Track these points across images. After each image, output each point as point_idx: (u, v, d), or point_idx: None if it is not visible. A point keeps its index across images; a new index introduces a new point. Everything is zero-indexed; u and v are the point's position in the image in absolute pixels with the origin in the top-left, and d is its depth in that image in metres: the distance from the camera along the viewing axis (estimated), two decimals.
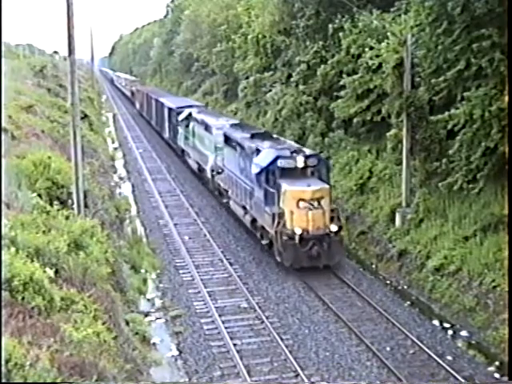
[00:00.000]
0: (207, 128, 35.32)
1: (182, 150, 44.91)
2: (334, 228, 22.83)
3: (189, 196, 36.48)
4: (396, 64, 25.38)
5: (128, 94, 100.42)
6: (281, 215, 22.74)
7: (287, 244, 22.49)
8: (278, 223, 22.68)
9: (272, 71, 44.68)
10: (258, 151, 25.08)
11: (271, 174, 23.62)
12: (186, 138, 42.25)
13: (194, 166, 40.42)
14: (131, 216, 31.19)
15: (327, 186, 23.47)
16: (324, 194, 22.94)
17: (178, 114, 45.33)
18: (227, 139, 30.23)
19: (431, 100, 24.30)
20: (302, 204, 22.50)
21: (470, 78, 22.01)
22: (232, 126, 32.37)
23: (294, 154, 23.89)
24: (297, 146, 26.99)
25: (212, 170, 33.81)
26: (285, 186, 22.95)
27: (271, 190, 23.43)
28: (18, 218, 14.87)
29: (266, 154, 24.44)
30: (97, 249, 16.09)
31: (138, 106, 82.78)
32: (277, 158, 23.71)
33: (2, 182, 16.81)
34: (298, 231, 22.34)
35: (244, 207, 27.23)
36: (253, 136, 27.54)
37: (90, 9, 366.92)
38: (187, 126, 41.57)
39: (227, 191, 30.45)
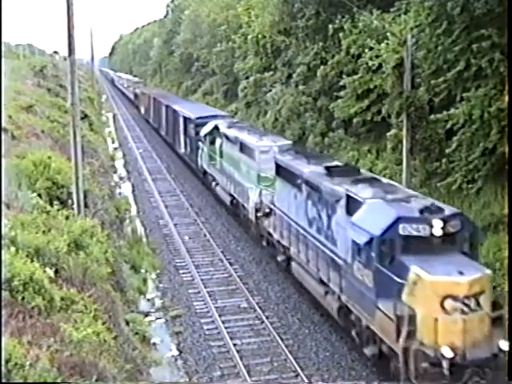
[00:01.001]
0: (245, 150, 27.22)
1: (205, 172, 36.25)
2: (504, 345, 13.51)
3: (189, 196, 36.47)
4: (396, 64, 25.41)
5: (131, 96, 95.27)
6: (412, 320, 13.71)
7: (427, 373, 13.58)
8: (409, 334, 13.71)
9: (272, 71, 44.73)
10: (350, 200, 16.63)
11: (388, 247, 14.77)
12: (212, 158, 33.52)
13: (225, 198, 31.16)
14: (131, 216, 31.19)
15: (488, 272, 14.44)
16: (485, 287, 13.95)
17: (198, 125, 37.16)
18: (281, 169, 22.31)
19: (431, 100, 24.31)
20: (450, 304, 13.48)
21: (469, 79, 22.03)
22: (284, 149, 24.56)
23: (427, 215, 14.84)
24: (413, 193, 17.49)
25: (256, 210, 25.17)
26: (416, 269, 13.99)
27: (388, 272, 14.55)
28: (18, 217, 14.89)
29: (375, 210, 15.76)
30: (97, 249, 16.10)
31: (142, 110, 75.28)
32: (398, 220, 14.80)
33: (2, 182, 16.82)
34: (448, 353, 13.20)
35: (323, 282, 18.56)
36: (330, 171, 18.97)
37: (90, 9, 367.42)
38: (212, 142, 33.15)
39: (287, 248, 21.58)
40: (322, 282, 18.66)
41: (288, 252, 21.55)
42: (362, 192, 16.65)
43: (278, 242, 22.49)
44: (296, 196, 20.49)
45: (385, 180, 19.26)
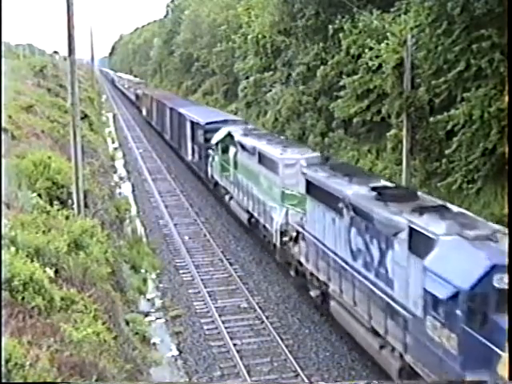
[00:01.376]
0: (265, 162, 23.89)
1: (216, 183, 33.19)
2: None
3: (189, 196, 36.48)
4: (396, 64, 25.44)
5: (132, 97, 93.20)
6: None
7: None
8: None
9: (272, 71, 44.79)
10: (414, 235, 13.38)
11: (480, 304, 11.60)
12: (224, 168, 30.43)
13: (242, 216, 27.96)
14: (131, 216, 31.19)
15: None
16: None
17: (208, 132, 34.07)
18: (313, 188, 19.03)
19: (431, 100, 24.34)
20: None
21: (469, 79, 22.06)
22: (312, 162, 21.09)
23: None
24: (496, 227, 13.30)
25: (281, 233, 21.85)
26: None
27: (480, 337, 11.44)
28: (18, 217, 14.87)
29: (456, 252, 12.42)
30: (97, 249, 16.08)
31: (144, 112, 72.81)
32: (493, 268, 11.57)
33: (2, 181, 16.80)
34: None
35: (376, 332, 15.33)
36: (382, 194, 15.52)
37: (90, 9, 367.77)
38: (225, 151, 30.14)
39: (324, 283, 18.34)
40: (375, 332, 15.40)
41: (325, 288, 18.34)
42: (431, 225, 13.11)
43: (312, 274, 19.25)
44: (334, 221, 17.28)
45: (454, 208, 14.95)
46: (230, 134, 29.58)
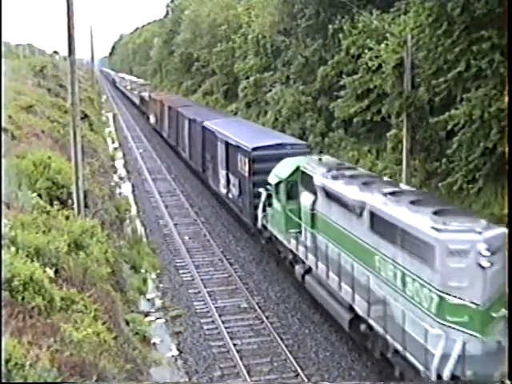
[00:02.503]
0: (391, 234, 13.79)
1: (270, 238, 23.28)
2: None
3: (189, 196, 36.48)
4: (396, 64, 25.46)
5: (135, 100, 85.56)
6: None
7: None
8: None
9: (272, 71, 44.83)
10: None
11: None
12: (291, 222, 20.17)
13: (336, 311, 17.41)
14: (131, 216, 31.19)
15: None
16: None
17: (257, 161, 24.64)
18: None
19: (431, 100, 24.36)
20: None
21: (469, 79, 22.08)
22: (499, 245, 12.25)
23: None
24: None
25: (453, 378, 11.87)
26: None
27: None
28: (18, 217, 14.88)
29: None
30: (97, 249, 16.11)
31: (152, 119, 62.91)
32: None
33: (2, 182, 16.81)
34: None
35: None
36: None
37: (90, 9, 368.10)
38: (292, 196, 20.47)
39: None
40: None
41: None
42: None
43: None
44: None
45: None
46: (300, 171, 20.04)
